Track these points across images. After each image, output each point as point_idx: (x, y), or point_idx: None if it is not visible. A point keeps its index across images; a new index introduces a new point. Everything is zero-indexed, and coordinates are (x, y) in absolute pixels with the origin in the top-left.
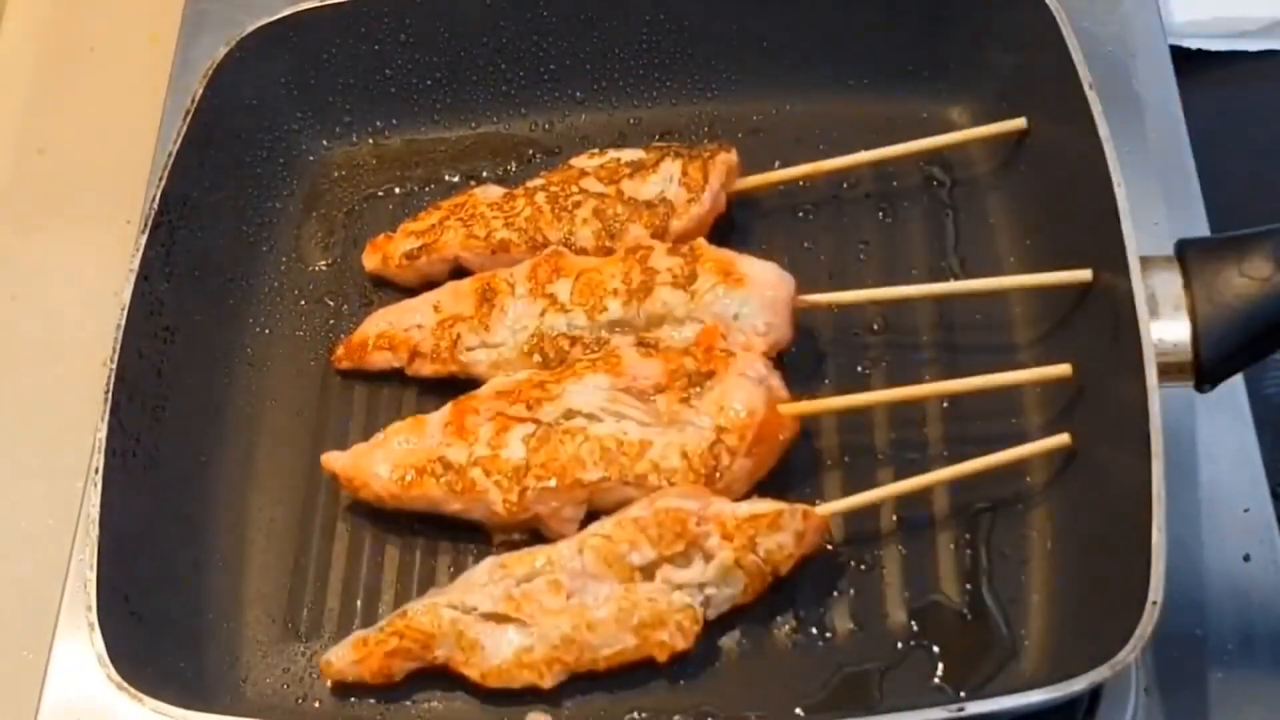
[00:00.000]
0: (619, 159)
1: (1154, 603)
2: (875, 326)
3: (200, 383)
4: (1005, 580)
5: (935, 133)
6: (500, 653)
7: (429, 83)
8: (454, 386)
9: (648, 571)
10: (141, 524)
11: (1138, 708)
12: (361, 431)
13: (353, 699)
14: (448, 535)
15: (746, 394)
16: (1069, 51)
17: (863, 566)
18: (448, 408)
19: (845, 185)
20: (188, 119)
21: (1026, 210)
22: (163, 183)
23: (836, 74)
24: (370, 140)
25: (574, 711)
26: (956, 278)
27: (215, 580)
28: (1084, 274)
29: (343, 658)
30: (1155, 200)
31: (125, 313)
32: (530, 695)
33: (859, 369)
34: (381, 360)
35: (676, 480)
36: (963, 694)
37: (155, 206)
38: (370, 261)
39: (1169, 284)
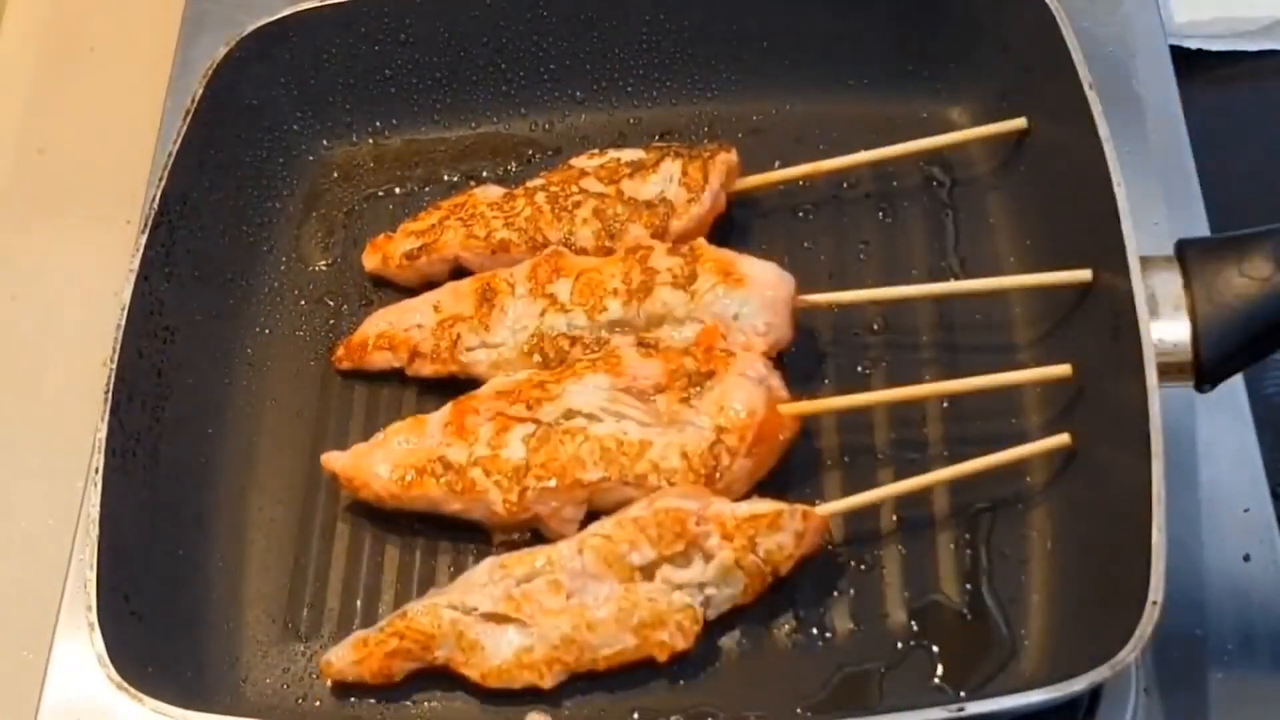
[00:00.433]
0: (619, 159)
1: (1154, 603)
2: (875, 326)
3: (200, 383)
4: (1005, 580)
5: (935, 133)
6: (500, 653)
7: (429, 83)
8: (454, 387)
9: (648, 571)
10: (141, 524)
11: (1138, 708)
12: (361, 432)
13: (353, 699)
14: (448, 535)
15: (746, 394)
16: (1069, 51)
17: (862, 566)
18: (447, 408)
19: (845, 185)
20: (187, 119)
21: (1026, 210)
22: (163, 183)
23: (836, 74)
24: (370, 140)
25: (574, 712)
26: (956, 278)
27: (215, 580)
28: (1084, 274)
29: (343, 658)
30: (1155, 200)
31: (125, 312)
32: (530, 695)
33: (859, 369)
34: (381, 360)
35: (676, 480)
36: (963, 694)
37: (155, 206)
38: (370, 261)
39: (1169, 284)
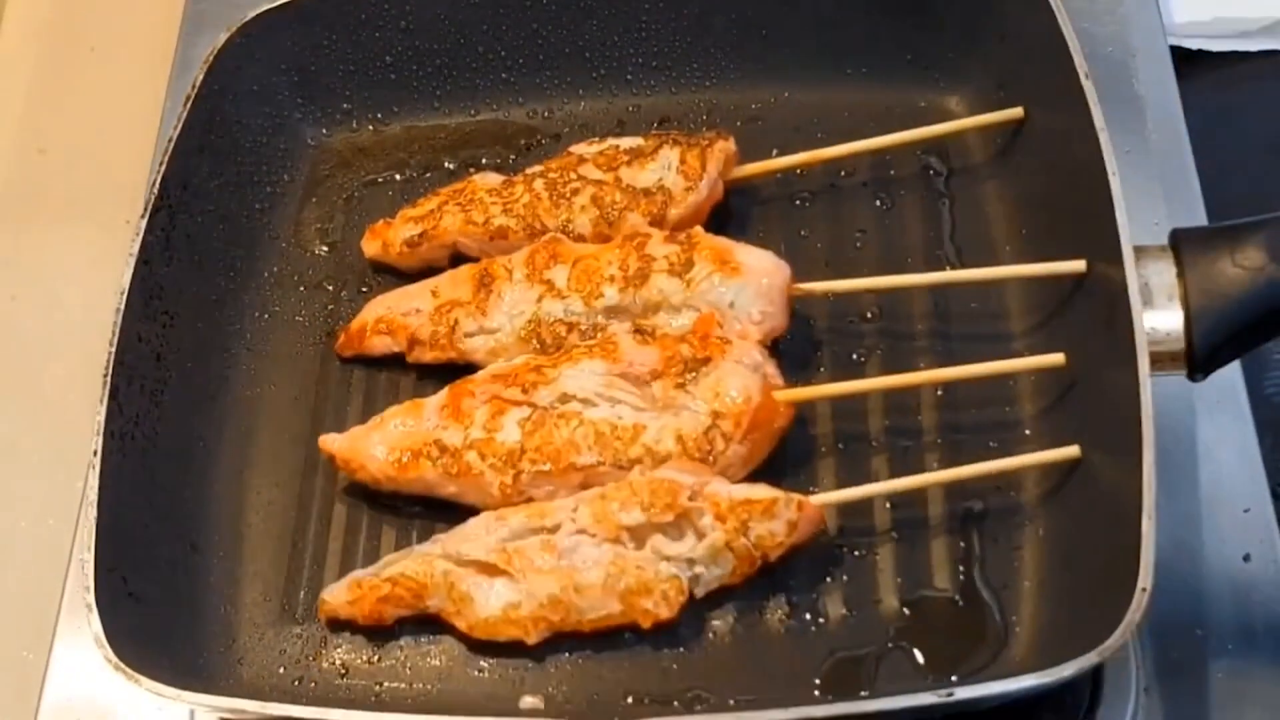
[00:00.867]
0: (617, 146)
1: (1144, 589)
2: (870, 314)
3: (199, 366)
4: (997, 567)
5: (932, 122)
6: (489, 607)
7: (429, 70)
8: (453, 372)
9: (638, 537)
10: (139, 506)
11: (1138, 708)
12: (359, 416)
13: (349, 680)
14: (444, 519)
15: (742, 380)
16: (1065, 41)
17: (856, 552)
18: (444, 391)
19: (842, 174)
20: (189, 104)
21: (1023, 200)
22: (163, 168)
23: (835, 63)
24: (370, 127)
25: (567, 694)
26: (952, 266)
27: (213, 562)
28: (1078, 264)
29: (337, 597)
30: (1155, 200)
31: (124, 296)
32: (517, 647)
33: (854, 357)
34: (381, 345)
35: (671, 464)
36: (954, 679)
37: (155, 191)
38: (370, 248)
39: (1162, 273)
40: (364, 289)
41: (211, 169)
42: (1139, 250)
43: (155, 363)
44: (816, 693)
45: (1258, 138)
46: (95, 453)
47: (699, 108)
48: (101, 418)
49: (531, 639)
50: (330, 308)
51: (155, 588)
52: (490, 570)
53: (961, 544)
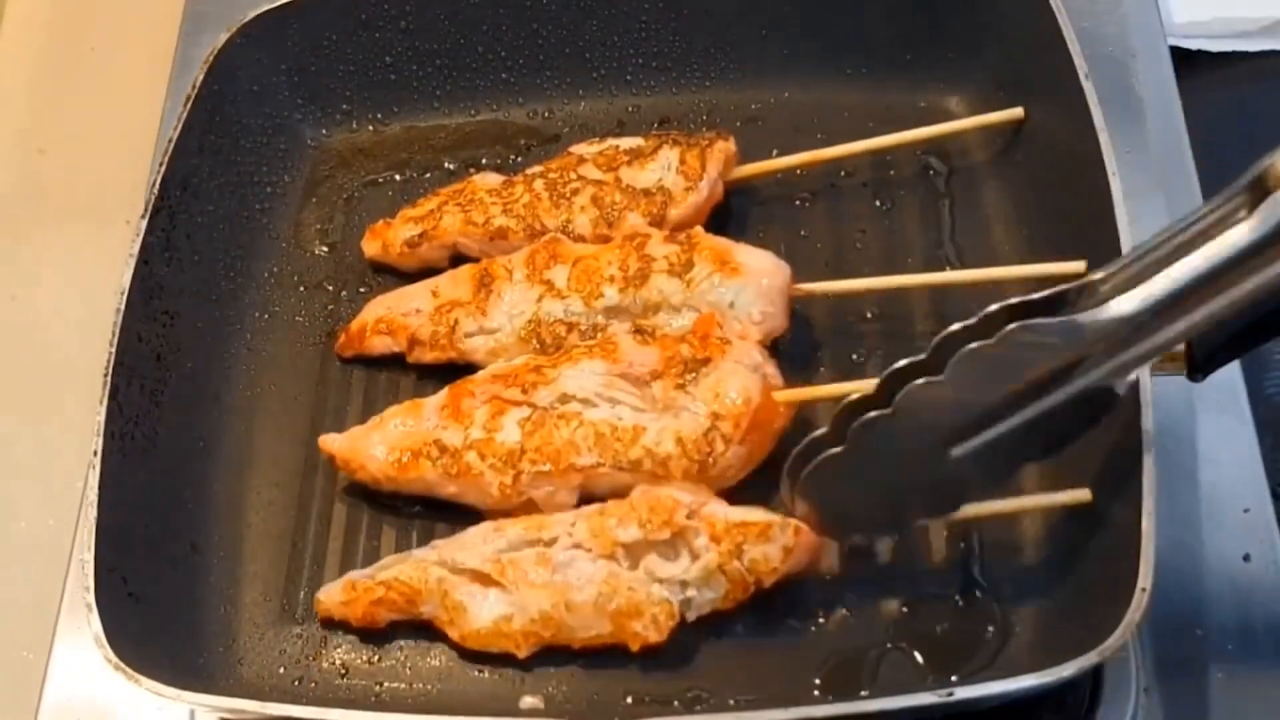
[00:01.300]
0: (617, 146)
1: (1143, 589)
2: (870, 315)
3: (199, 366)
4: (997, 568)
5: (932, 122)
6: (481, 618)
7: (429, 70)
8: (453, 372)
9: (633, 554)
10: (140, 506)
11: (1138, 708)
12: (359, 415)
13: (349, 680)
14: (444, 519)
15: (742, 381)
16: (1065, 42)
17: (856, 553)
18: (444, 391)
19: (842, 174)
20: (189, 104)
21: (1022, 200)
22: (163, 168)
23: (835, 63)
24: (370, 127)
25: (567, 694)
26: (952, 267)
27: (213, 562)
28: (1078, 264)
29: (332, 597)
30: (1156, 200)
31: (125, 296)
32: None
33: (854, 357)
34: (381, 345)
35: (671, 465)
36: (954, 679)
37: (155, 191)
38: (370, 248)
39: None
40: (364, 289)
41: (211, 169)
42: None
43: (155, 363)
44: (816, 693)
45: (1258, 138)
46: (95, 453)
47: (699, 108)
48: (101, 418)
49: (522, 653)
50: (330, 308)
51: (155, 588)
52: (484, 580)
53: (961, 544)
